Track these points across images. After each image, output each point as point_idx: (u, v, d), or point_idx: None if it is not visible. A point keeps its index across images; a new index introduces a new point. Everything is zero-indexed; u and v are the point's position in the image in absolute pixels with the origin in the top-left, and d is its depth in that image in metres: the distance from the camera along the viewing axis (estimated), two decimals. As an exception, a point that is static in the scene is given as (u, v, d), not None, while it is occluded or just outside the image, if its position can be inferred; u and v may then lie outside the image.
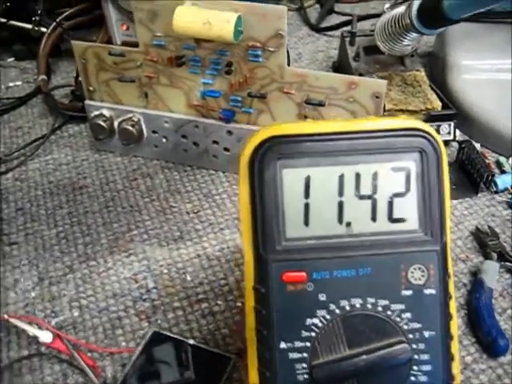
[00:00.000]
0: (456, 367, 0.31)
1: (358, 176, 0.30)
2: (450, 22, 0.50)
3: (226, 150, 0.55)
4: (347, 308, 0.29)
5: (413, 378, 0.29)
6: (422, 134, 0.30)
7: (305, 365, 0.29)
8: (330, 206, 0.30)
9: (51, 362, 0.42)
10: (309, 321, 0.29)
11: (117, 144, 0.59)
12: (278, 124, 0.30)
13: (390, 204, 0.30)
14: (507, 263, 0.48)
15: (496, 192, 0.55)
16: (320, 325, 0.29)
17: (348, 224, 0.30)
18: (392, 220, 0.30)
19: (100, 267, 0.49)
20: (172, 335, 0.43)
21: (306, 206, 0.30)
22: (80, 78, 0.57)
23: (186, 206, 0.54)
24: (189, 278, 0.48)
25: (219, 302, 0.46)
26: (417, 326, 0.30)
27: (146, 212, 0.54)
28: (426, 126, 0.30)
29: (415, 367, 0.30)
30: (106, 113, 0.57)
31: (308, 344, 0.29)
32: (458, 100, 0.63)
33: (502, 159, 0.58)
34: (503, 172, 0.57)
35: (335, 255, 0.29)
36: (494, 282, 0.46)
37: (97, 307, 0.46)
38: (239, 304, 0.45)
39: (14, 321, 0.42)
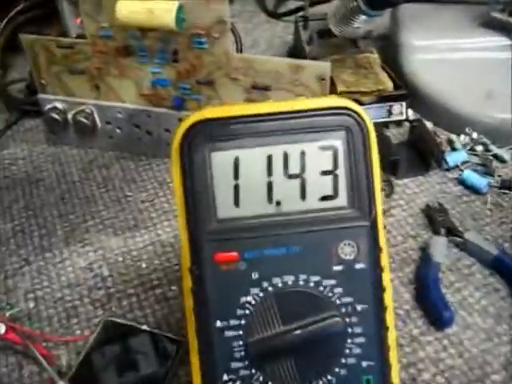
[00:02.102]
0: (392, 338, 0.31)
1: (286, 156, 0.30)
2: (391, 4, 0.50)
3: (180, 137, 0.56)
4: (280, 285, 0.30)
5: (347, 351, 0.30)
6: (347, 112, 0.30)
7: (241, 342, 0.30)
8: (260, 186, 0.30)
9: (6, 354, 0.42)
10: (243, 299, 0.30)
11: (72, 136, 0.59)
12: (210, 107, 0.31)
13: (318, 182, 0.30)
14: (455, 238, 0.49)
15: (447, 169, 0.56)
16: (254, 302, 0.30)
17: (278, 203, 0.30)
18: (321, 198, 0.30)
19: (56, 258, 0.49)
20: (124, 322, 0.43)
21: (236, 187, 0.30)
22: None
23: (141, 195, 0.55)
24: (144, 266, 0.48)
25: (173, 288, 0.46)
26: (348, 300, 0.30)
27: (102, 202, 0.54)
28: (352, 104, 0.31)
29: (349, 340, 0.30)
30: (59, 105, 0.57)
31: (243, 322, 0.30)
32: (411, 80, 0.64)
33: (454, 137, 0.59)
34: (454, 149, 0.58)
35: (266, 234, 0.30)
36: (442, 256, 0.47)
37: (52, 297, 0.46)
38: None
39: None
